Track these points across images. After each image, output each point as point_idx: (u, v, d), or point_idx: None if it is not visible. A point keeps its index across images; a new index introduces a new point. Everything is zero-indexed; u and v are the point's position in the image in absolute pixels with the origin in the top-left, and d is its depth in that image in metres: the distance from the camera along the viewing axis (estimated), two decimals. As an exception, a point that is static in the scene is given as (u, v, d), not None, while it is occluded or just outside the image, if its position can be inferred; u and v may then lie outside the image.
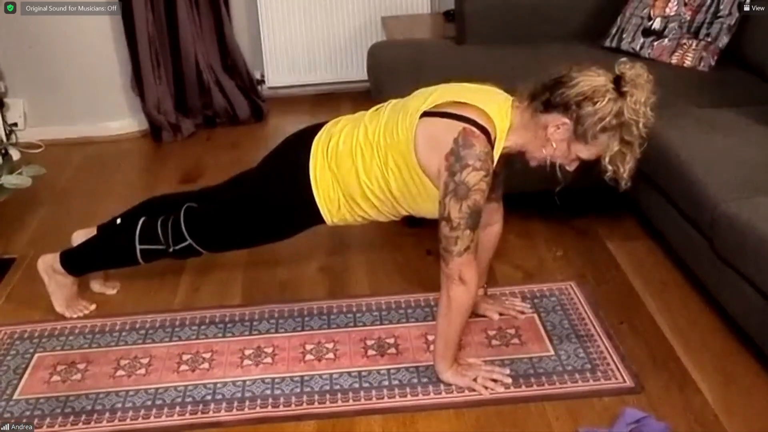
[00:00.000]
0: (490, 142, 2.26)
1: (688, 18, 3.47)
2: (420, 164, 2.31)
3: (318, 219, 2.51)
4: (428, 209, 2.41)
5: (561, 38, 3.80)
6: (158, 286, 3.04)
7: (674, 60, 3.46)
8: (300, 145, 2.51)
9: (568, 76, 2.23)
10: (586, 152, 2.29)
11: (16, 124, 4.49)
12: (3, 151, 3.87)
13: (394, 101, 2.49)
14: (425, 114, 2.30)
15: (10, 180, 3.10)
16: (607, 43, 3.64)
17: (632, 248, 3.13)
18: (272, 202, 2.54)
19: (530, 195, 3.39)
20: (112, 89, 4.47)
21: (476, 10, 3.88)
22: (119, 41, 4.40)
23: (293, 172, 2.48)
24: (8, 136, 4.39)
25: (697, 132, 2.90)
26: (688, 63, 3.44)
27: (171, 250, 2.66)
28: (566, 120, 2.23)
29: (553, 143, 2.27)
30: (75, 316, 2.86)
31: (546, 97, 2.25)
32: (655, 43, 3.51)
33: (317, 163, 2.44)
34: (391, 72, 3.61)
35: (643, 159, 3.00)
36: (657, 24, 3.53)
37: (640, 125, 2.21)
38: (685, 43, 3.46)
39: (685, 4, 3.49)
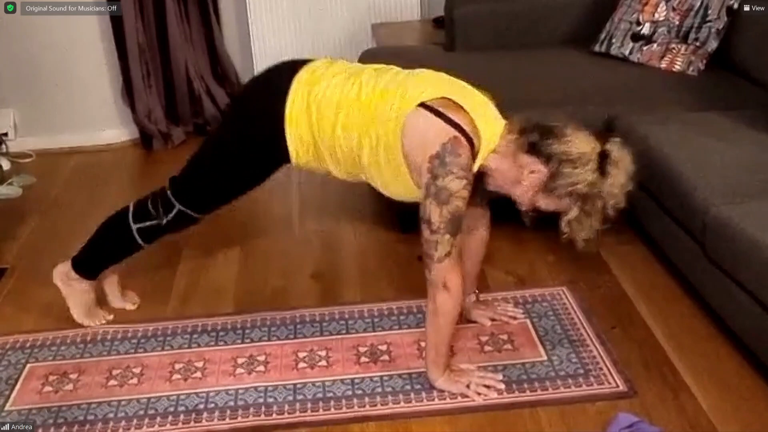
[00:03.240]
0: (473, 154, 2.28)
1: (677, 23, 3.49)
2: (403, 150, 2.31)
3: (285, 157, 2.49)
4: (395, 190, 2.44)
5: (550, 44, 3.82)
6: (150, 295, 3.03)
7: (663, 65, 3.48)
8: (279, 79, 2.48)
9: (562, 131, 2.27)
10: (546, 204, 2.35)
11: (6, 134, 4.47)
12: (-7, 161, 3.86)
13: (396, 69, 2.47)
14: (422, 104, 2.30)
15: (1, 190, 3.09)
16: (597, 48, 3.65)
17: (624, 253, 3.14)
18: (243, 135, 2.52)
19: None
20: (102, 98, 4.46)
21: (466, 16, 3.89)
22: (109, 50, 4.40)
23: (268, 106, 2.46)
24: (-2, 146, 4.38)
25: (686, 136, 2.91)
26: (677, 67, 3.45)
27: (164, 222, 2.66)
28: (544, 169, 2.27)
29: (524, 184, 2.32)
30: (94, 324, 2.86)
31: (534, 140, 2.28)
32: (644, 48, 3.53)
33: (296, 101, 2.41)
34: (381, 79, 3.60)
35: (633, 164, 3.02)
36: (646, 29, 3.55)
37: (609, 204, 2.27)
38: (674, 48, 3.47)
39: (674, 9, 3.50)
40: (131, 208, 2.71)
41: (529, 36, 3.86)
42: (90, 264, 2.83)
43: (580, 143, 2.27)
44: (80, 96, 4.44)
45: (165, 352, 2.70)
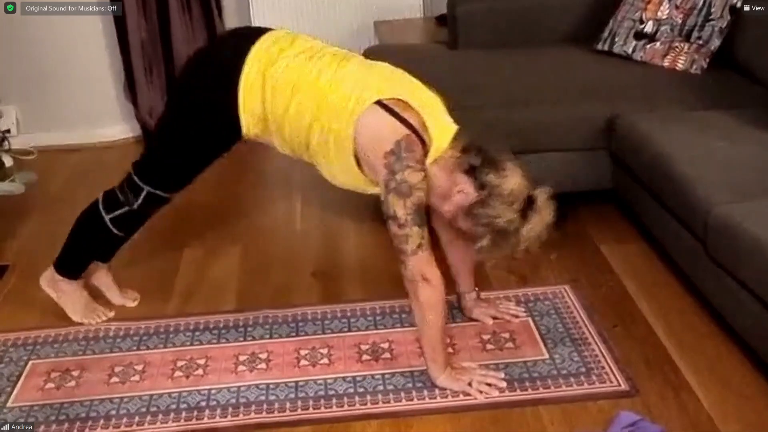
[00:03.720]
0: (424, 153, 2.34)
1: (680, 21, 3.48)
2: (354, 143, 2.33)
3: (238, 128, 2.48)
4: (342, 179, 2.47)
5: (553, 42, 3.82)
6: (152, 293, 3.03)
7: (666, 63, 3.47)
8: (235, 48, 2.48)
9: (502, 164, 2.34)
10: (464, 225, 2.42)
11: (8, 131, 4.45)
12: (-5, 158, 3.86)
13: (358, 59, 2.48)
14: (378, 102, 2.32)
15: (3, 187, 3.10)
16: (600, 47, 3.65)
17: (626, 251, 3.14)
18: (197, 104, 2.52)
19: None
20: (104, 95, 4.47)
21: (469, 14, 3.89)
22: (112, 47, 4.40)
23: (223, 74, 2.45)
24: (1, 142, 4.38)
25: (689, 135, 2.91)
26: (680, 66, 3.45)
27: (135, 206, 2.65)
28: (473, 194, 2.33)
29: (451, 200, 2.38)
30: (94, 321, 2.86)
31: (475, 164, 2.34)
32: (647, 46, 3.52)
33: (251, 72, 2.41)
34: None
35: (635, 162, 3.03)
36: (649, 27, 3.54)
37: (520, 245, 2.34)
38: (677, 46, 3.47)
39: (677, 7, 3.50)
40: (100, 199, 2.72)
41: (532, 34, 3.86)
42: (71, 263, 2.84)
43: (514, 182, 2.33)
44: (82, 93, 4.44)
45: (167, 350, 2.71)
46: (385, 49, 4.10)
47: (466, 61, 3.71)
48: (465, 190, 2.35)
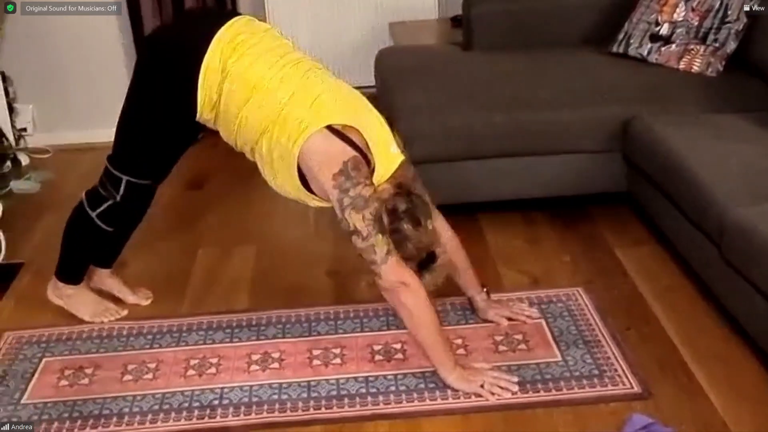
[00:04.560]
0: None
1: (696, 23, 3.47)
2: (298, 160, 2.36)
3: (192, 110, 2.49)
4: (283, 189, 2.51)
5: (568, 44, 3.81)
6: (165, 291, 3.04)
7: (682, 65, 3.46)
8: (200, 29, 2.50)
9: (424, 220, 2.40)
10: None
11: (25, 130, 4.51)
12: (12, 156, 3.89)
13: (321, 74, 2.50)
14: (329, 126, 2.36)
15: (19, 185, 3.12)
16: (615, 49, 3.64)
17: (640, 254, 3.13)
18: (154, 83, 2.53)
19: (537, 200, 3.41)
20: (120, 95, 4.42)
21: (483, 16, 3.89)
22: (127, 47, 4.42)
23: (184, 54, 2.46)
24: (17, 141, 4.41)
25: (704, 138, 2.90)
26: (695, 68, 3.43)
27: (118, 198, 2.66)
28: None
29: None
30: (107, 320, 2.86)
31: (399, 208, 2.38)
32: (663, 49, 3.51)
33: (214, 56, 2.42)
34: (397, 77, 3.61)
35: (650, 164, 3.02)
36: (664, 29, 3.53)
37: None
38: (692, 49, 3.46)
39: (693, 10, 3.49)
40: (84, 199, 2.73)
41: (546, 36, 3.85)
42: (70, 268, 2.87)
43: (425, 240, 2.41)
44: (98, 93, 4.46)
45: (180, 348, 2.71)
46: (399, 50, 4.12)
47: (481, 63, 3.70)
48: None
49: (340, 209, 2.33)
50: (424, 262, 2.42)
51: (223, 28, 2.45)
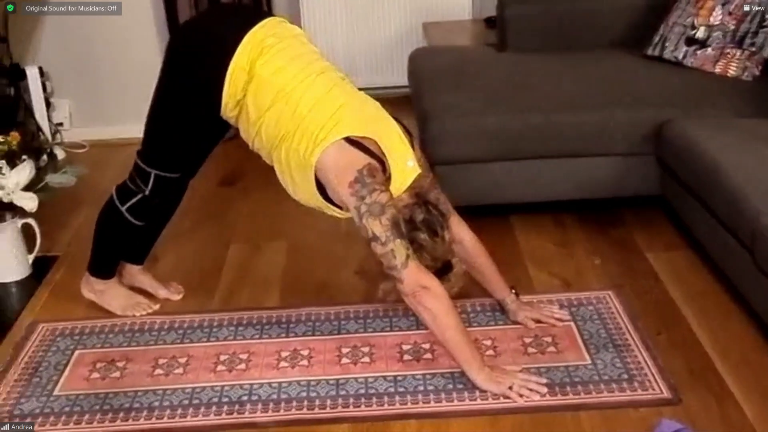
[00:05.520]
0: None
1: (733, 27, 3.44)
2: (316, 170, 2.37)
3: (216, 106, 2.50)
4: (303, 197, 2.53)
5: (603, 46, 3.79)
6: (197, 287, 3.06)
7: (718, 69, 3.43)
8: (232, 26, 2.51)
9: (441, 232, 2.44)
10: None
11: (61, 124, 4.57)
12: (48, 151, 3.93)
13: (345, 86, 2.52)
14: (347, 138, 2.37)
15: (55, 179, 3.15)
16: (650, 52, 3.62)
17: (672, 258, 3.11)
18: (183, 77, 2.55)
19: (569, 203, 3.40)
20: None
21: (518, 17, 3.88)
22: (163, 44, 4.43)
23: (215, 50, 2.47)
24: (54, 135, 4.46)
25: (739, 142, 2.87)
26: (731, 73, 3.40)
27: (147, 192, 2.69)
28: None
29: None
30: (138, 314, 2.89)
31: (416, 218, 2.42)
32: (698, 52, 3.48)
33: (243, 56, 2.44)
34: (431, 78, 3.62)
35: (684, 168, 3.00)
36: (701, 33, 3.50)
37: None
38: (728, 53, 3.43)
39: (730, 14, 3.46)
40: (114, 194, 2.77)
41: (581, 38, 3.84)
42: (101, 262, 2.91)
43: (441, 249, 2.45)
44: (134, 88, 4.47)
45: (210, 343, 2.74)
46: (433, 51, 4.12)
47: (515, 64, 3.69)
48: None
49: (358, 217, 2.35)
50: (440, 271, 2.45)
51: (254, 29, 2.47)
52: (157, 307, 2.94)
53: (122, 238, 2.87)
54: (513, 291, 2.78)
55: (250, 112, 2.47)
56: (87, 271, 2.92)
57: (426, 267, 2.40)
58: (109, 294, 2.92)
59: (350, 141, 2.38)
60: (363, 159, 2.36)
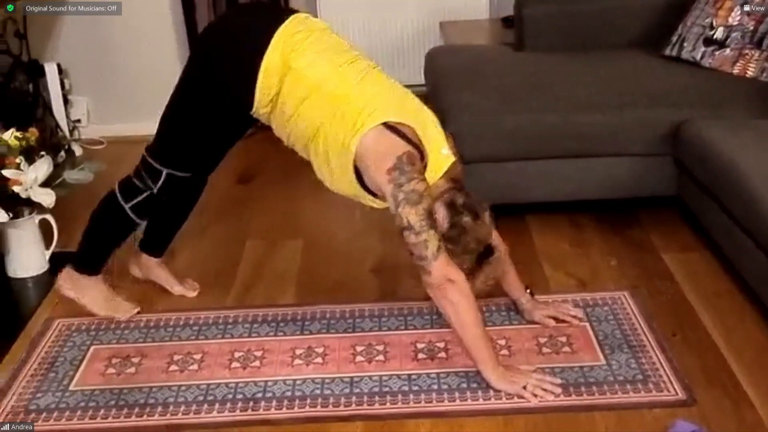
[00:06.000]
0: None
1: (752, 28, 3.42)
2: (356, 157, 2.36)
3: (248, 103, 2.48)
4: (340, 187, 2.50)
5: (621, 46, 3.78)
6: (212, 284, 3.08)
7: (736, 70, 3.42)
8: (263, 24, 2.49)
9: (482, 212, 2.44)
10: None
11: (79, 121, 4.59)
12: (66, 147, 3.95)
13: (378, 74, 2.51)
14: (385, 123, 2.36)
15: (73, 175, 3.17)
16: (668, 52, 3.60)
17: (688, 259, 3.10)
18: (214, 74, 2.52)
19: (585, 203, 3.39)
20: (173, 88, 4.53)
21: (536, 16, 3.87)
22: (181, 40, 4.47)
23: (247, 48, 2.45)
24: (71, 132, 4.49)
25: (757, 144, 2.86)
26: (750, 73, 3.39)
27: (155, 191, 2.67)
28: (445, 228, 2.39)
29: None
30: (124, 318, 2.86)
31: (457, 201, 2.41)
32: (717, 53, 3.47)
33: (276, 52, 2.42)
34: (448, 76, 3.61)
35: (701, 169, 2.99)
36: (719, 33, 3.49)
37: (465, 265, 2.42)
38: (747, 54, 3.41)
39: (749, 14, 3.44)
40: (117, 189, 2.74)
41: (599, 37, 3.82)
42: (91, 258, 2.85)
43: (484, 232, 2.45)
44: (151, 86, 4.50)
45: (225, 340, 2.74)
46: (450, 50, 4.11)
47: (532, 64, 3.69)
48: (439, 221, 2.40)
49: (394, 204, 2.33)
50: (482, 255, 2.44)
51: (283, 25, 2.46)
52: (137, 310, 2.90)
53: (118, 235, 2.82)
54: (528, 291, 2.77)
55: (286, 106, 2.45)
56: (70, 266, 2.86)
57: (470, 251, 2.41)
58: (92, 292, 2.87)
59: (389, 127, 2.37)
60: (403, 146, 2.35)
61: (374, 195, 2.45)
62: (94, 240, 2.85)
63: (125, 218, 2.73)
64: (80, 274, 2.85)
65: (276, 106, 2.47)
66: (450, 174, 2.47)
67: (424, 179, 2.36)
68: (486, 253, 2.46)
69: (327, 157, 2.44)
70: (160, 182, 2.66)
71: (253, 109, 2.51)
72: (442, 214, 2.41)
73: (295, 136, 2.51)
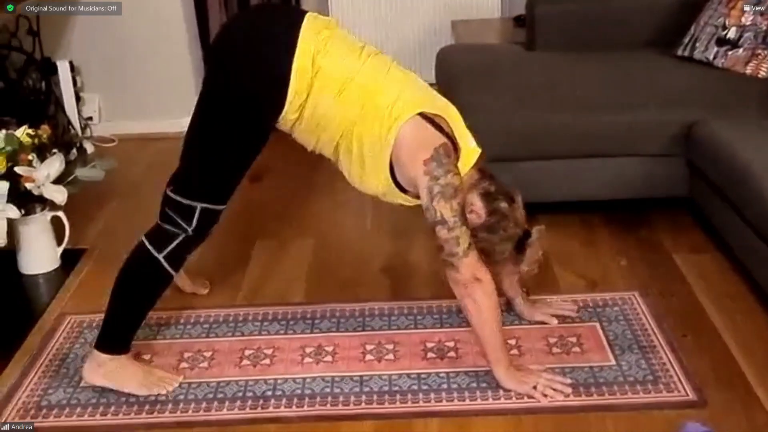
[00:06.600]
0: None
1: (764, 28, 3.41)
2: (393, 148, 2.33)
3: (278, 111, 2.35)
4: (372, 184, 2.45)
5: (633, 46, 3.77)
6: (223, 282, 3.08)
7: (748, 70, 3.41)
8: (286, 25, 2.38)
9: (514, 197, 2.47)
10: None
11: (91, 118, 4.61)
12: (78, 145, 3.97)
13: (400, 69, 2.48)
14: (420, 113, 2.35)
15: (84, 172, 3.18)
16: (680, 52, 3.59)
17: (699, 261, 3.09)
18: (241, 84, 2.35)
19: (595, 203, 3.38)
20: (184, 86, 4.54)
21: (547, 16, 3.87)
22: (192, 38, 4.48)
23: (276, 52, 2.33)
24: (83, 129, 4.50)
25: (769, 144, 2.85)
26: (762, 74, 3.38)
27: (191, 231, 2.42)
28: (483, 216, 2.42)
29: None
30: (167, 390, 2.49)
31: (490, 190, 2.44)
32: (729, 53, 3.46)
33: (304, 53, 2.31)
34: (460, 75, 3.61)
35: (713, 170, 2.98)
36: (732, 33, 3.48)
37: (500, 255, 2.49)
38: (759, 54, 3.40)
39: (762, 14, 3.43)
40: (146, 242, 2.45)
41: (611, 37, 3.82)
42: (123, 331, 2.52)
43: (520, 214, 2.47)
44: (163, 83, 4.53)
45: (235, 338, 2.75)
46: (461, 49, 4.11)
47: (544, 63, 3.68)
48: (477, 212, 2.41)
49: (428, 197, 2.30)
50: (522, 239, 2.46)
51: (306, 24, 2.37)
52: (181, 378, 2.55)
53: (153, 294, 2.51)
54: (525, 290, 2.78)
55: (319, 106, 2.34)
56: (96, 350, 2.50)
57: (510, 237, 2.44)
58: (126, 373, 2.50)
59: (425, 117, 2.35)
60: (439, 137, 2.34)
61: (404, 192, 2.43)
62: (125, 308, 2.52)
63: (160, 273, 2.45)
64: (110, 355, 2.48)
65: (305, 109, 2.36)
66: (478, 164, 2.47)
67: (459, 173, 2.34)
68: (525, 236, 2.47)
69: (361, 153, 2.39)
70: (196, 219, 2.41)
71: (282, 116, 2.37)
72: (479, 204, 2.41)
73: (327, 136, 2.40)
